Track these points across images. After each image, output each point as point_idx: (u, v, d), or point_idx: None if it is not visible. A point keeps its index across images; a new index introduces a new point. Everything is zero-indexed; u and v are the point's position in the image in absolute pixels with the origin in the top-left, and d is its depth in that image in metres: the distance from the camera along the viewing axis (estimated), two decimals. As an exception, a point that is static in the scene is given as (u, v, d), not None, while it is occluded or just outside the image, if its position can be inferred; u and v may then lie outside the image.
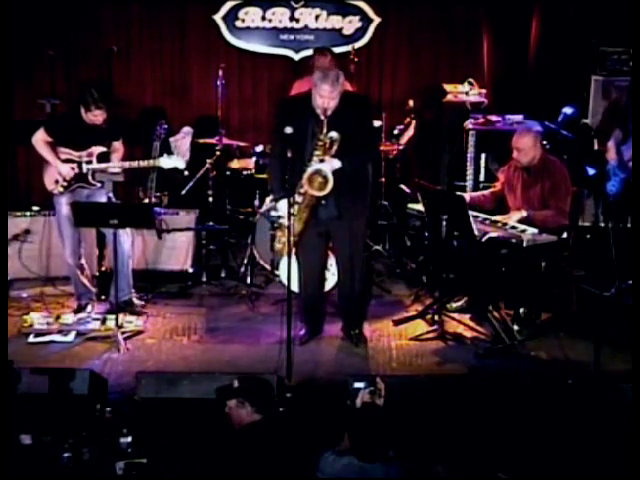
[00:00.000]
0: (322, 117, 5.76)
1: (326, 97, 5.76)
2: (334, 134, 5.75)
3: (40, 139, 6.58)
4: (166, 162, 6.68)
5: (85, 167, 6.54)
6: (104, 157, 6.59)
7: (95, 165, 6.56)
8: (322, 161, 5.77)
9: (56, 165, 6.54)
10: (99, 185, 6.60)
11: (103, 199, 6.62)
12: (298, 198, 5.89)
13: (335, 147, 5.78)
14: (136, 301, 6.78)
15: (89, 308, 6.72)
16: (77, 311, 6.70)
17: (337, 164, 5.79)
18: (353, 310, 6.33)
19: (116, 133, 6.68)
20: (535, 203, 6.40)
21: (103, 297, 6.88)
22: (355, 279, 6.17)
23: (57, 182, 6.58)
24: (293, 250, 5.77)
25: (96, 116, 6.42)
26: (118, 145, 6.69)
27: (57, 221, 6.73)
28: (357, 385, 4.46)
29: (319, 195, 5.81)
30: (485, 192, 6.84)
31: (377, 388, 4.26)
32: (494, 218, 6.38)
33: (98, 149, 6.55)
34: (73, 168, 6.54)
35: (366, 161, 6.16)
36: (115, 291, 6.48)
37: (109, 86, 8.37)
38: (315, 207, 5.93)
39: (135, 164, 6.64)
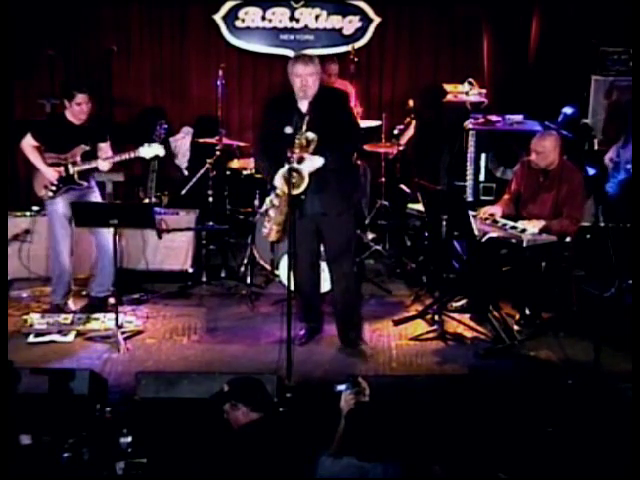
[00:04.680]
0: (304, 110, 5.75)
1: (302, 75, 5.72)
2: (310, 134, 5.71)
3: (28, 144, 6.61)
4: (146, 151, 6.56)
5: (71, 169, 6.55)
6: (89, 156, 6.58)
7: (80, 165, 6.56)
8: (301, 159, 5.69)
9: (42, 169, 6.57)
10: (86, 184, 6.61)
11: (97, 199, 6.68)
12: (275, 200, 5.91)
13: (312, 146, 5.73)
14: (111, 300, 6.67)
15: (70, 304, 6.73)
16: (56, 310, 6.66)
17: (318, 162, 5.74)
18: (348, 310, 6.26)
19: (102, 133, 6.66)
20: (547, 207, 6.34)
21: (83, 292, 6.92)
22: (346, 275, 6.12)
23: (46, 187, 6.59)
24: (281, 235, 5.88)
25: (80, 105, 6.43)
26: (104, 146, 6.65)
27: (51, 222, 6.69)
28: (339, 388, 4.34)
29: (294, 194, 5.66)
30: (505, 200, 6.61)
31: (361, 387, 4.24)
32: (504, 221, 6.34)
33: (81, 149, 6.55)
34: (59, 171, 6.55)
35: (350, 154, 6.15)
36: (95, 286, 6.68)
37: (109, 86, 8.39)
38: (295, 203, 5.82)
39: (117, 158, 6.60)
